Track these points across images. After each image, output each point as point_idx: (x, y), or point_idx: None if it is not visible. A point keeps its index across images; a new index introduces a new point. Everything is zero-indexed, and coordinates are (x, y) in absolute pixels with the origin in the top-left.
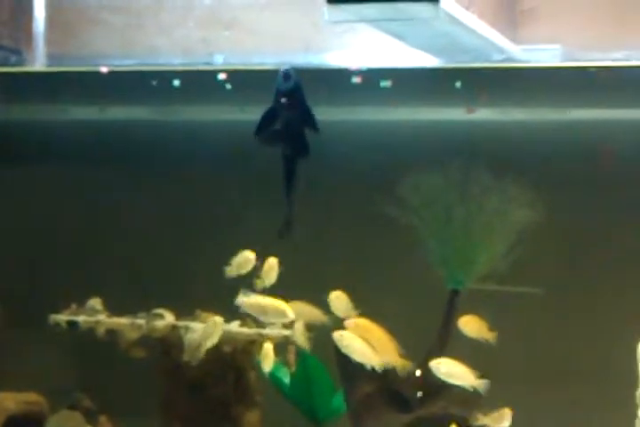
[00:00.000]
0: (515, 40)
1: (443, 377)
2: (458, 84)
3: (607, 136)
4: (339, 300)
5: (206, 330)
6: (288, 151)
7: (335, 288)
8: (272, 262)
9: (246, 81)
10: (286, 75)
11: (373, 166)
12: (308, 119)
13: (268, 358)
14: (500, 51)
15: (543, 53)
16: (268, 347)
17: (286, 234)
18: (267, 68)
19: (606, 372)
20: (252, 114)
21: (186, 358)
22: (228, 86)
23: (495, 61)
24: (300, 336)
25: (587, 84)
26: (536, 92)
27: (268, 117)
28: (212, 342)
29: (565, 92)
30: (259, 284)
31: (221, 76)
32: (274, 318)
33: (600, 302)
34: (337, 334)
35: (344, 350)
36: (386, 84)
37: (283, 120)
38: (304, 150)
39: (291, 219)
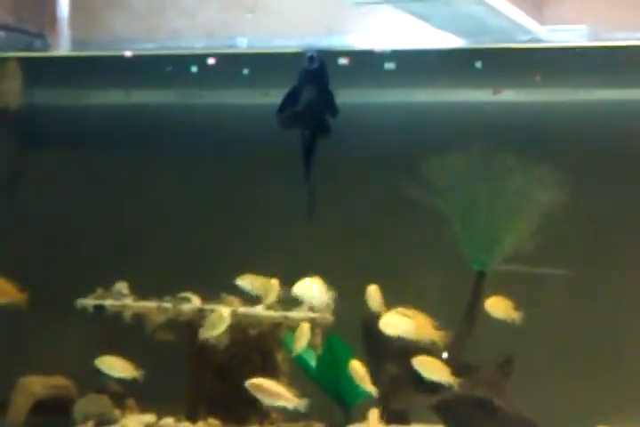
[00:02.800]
0: (540, 20)
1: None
2: (483, 66)
3: (634, 116)
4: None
5: (211, 321)
6: (308, 132)
7: (361, 271)
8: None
9: (270, 64)
10: (311, 58)
11: (398, 149)
12: (329, 103)
13: (302, 338)
14: (526, 31)
15: (569, 34)
16: (305, 327)
17: (311, 213)
18: (290, 51)
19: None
20: (276, 98)
21: (211, 340)
22: (252, 69)
23: (521, 42)
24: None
25: (613, 64)
26: (562, 72)
27: (291, 98)
28: (217, 332)
29: (592, 73)
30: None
31: (245, 60)
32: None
33: (627, 283)
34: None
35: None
36: (410, 65)
37: (304, 101)
38: (324, 131)
39: (313, 198)
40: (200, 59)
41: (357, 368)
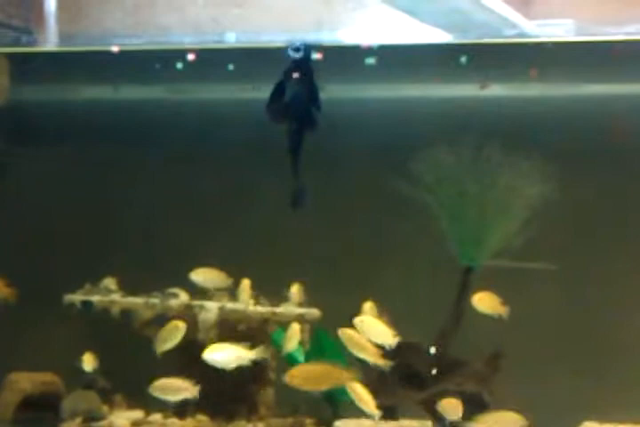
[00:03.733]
0: (527, 15)
1: (364, 334)
2: (470, 60)
3: (621, 110)
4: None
5: (166, 333)
6: (294, 126)
7: (350, 267)
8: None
9: (258, 58)
10: (296, 49)
11: (386, 144)
12: (313, 96)
13: (293, 338)
14: (513, 26)
15: (556, 28)
16: (296, 327)
17: (297, 206)
18: (278, 46)
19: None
20: (265, 92)
21: (200, 336)
22: (241, 64)
23: (508, 37)
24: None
25: (600, 59)
26: (549, 67)
27: (278, 92)
28: (171, 344)
29: (579, 67)
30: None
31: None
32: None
33: (615, 278)
34: (358, 320)
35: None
36: (396, 60)
37: (290, 95)
38: (311, 125)
39: (300, 191)
40: (188, 53)
41: (358, 391)
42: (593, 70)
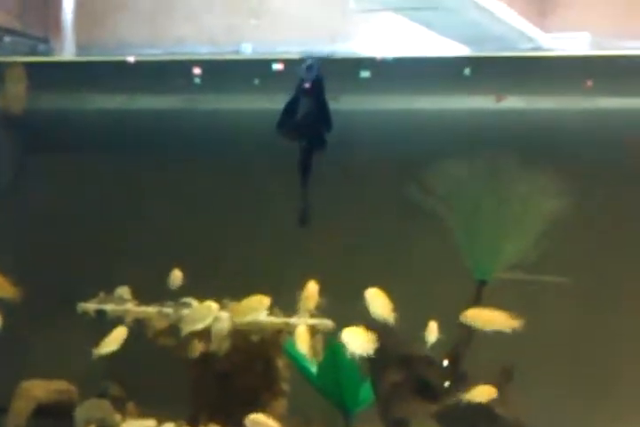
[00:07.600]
0: (543, 28)
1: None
2: (486, 73)
3: (636, 125)
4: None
5: (196, 313)
6: (305, 144)
7: (363, 278)
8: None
9: (272, 70)
10: (309, 67)
11: (401, 156)
12: (325, 116)
13: (302, 341)
14: (529, 39)
15: (572, 42)
16: (302, 329)
17: (304, 223)
18: (292, 58)
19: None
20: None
21: (213, 346)
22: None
23: (523, 50)
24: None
25: (615, 73)
26: (564, 80)
27: (290, 111)
28: (201, 325)
29: (594, 81)
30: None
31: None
32: None
33: (628, 292)
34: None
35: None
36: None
37: (302, 114)
38: (320, 144)
39: (307, 208)
40: (204, 64)
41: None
42: (608, 84)
